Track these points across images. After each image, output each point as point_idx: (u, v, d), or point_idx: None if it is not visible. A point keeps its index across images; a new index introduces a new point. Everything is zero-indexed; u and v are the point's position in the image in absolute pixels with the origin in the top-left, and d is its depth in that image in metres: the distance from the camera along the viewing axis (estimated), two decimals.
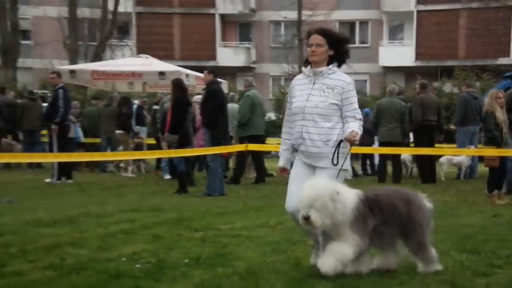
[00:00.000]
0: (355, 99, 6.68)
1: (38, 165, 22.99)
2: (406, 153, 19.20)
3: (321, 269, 6.26)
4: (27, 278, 6.45)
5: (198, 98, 17.62)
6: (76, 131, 21.91)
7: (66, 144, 18.04)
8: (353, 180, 18.67)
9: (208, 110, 14.31)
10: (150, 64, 21.49)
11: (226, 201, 13.36)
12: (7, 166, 22.58)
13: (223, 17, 49.45)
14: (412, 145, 18.84)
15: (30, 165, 23.20)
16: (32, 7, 43.79)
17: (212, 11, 48.62)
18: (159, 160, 19.92)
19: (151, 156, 19.39)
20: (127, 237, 8.85)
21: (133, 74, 21.06)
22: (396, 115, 17.70)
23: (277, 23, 48.51)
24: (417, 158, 18.83)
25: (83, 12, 42.05)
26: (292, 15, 45.05)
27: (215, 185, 14.54)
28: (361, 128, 6.63)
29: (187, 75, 20.52)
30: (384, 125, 17.83)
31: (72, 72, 21.46)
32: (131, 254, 7.61)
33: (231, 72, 43.78)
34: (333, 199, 6.09)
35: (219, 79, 16.36)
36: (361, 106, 24.93)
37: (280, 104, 23.38)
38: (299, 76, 6.95)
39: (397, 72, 45.83)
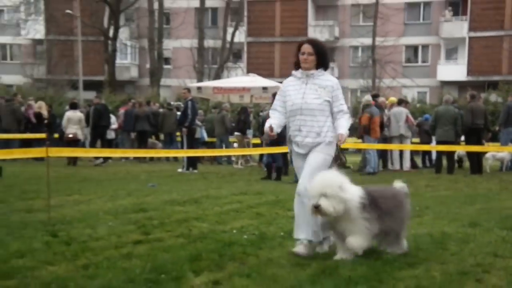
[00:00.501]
0: (341, 95, 6.29)
1: (175, 159, 23.28)
2: (459, 150, 18.75)
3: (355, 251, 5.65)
4: (165, 243, 6.52)
5: None
6: (202, 133, 22.08)
7: (193, 143, 18.23)
8: (414, 172, 18.33)
9: None
10: (256, 81, 21.48)
11: None
12: (151, 159, 22.92)
13: None
14: (463, 143, 18.37)
15: (168, 159, 23.53)
16: (172, 40, 44.63)
17: (304, 38, 48.22)
18: (261, 155, 19.89)
19: (255, 152, 19.25)
20: (237, 214, 8.78)
21: (243, 89, 21.18)
22: (450, 120, 17.24)
23: (355, 48, 47.85)
24: (467, 154, 18.27)
25: (208, 43, 42.78)
26: (367, 41, 44.45)
27: None
28: (349, 121, 6.23)
29: None
30: (440, 127, 17.37)
31: (199, 88, 21.76)
32: (240, 228, 7.56)
33: None
34: (341, 188, 5.48)
35: None
36: (422, 112, 24.53)
37: (357, 111, 23.02)
38: (291, 79, 6.43)
39: (452, 85, 44.58)
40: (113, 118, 23.31)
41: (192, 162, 17.72)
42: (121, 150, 20.09)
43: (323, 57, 6.25)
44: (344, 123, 6.15)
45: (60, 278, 4.91)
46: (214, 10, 47.41)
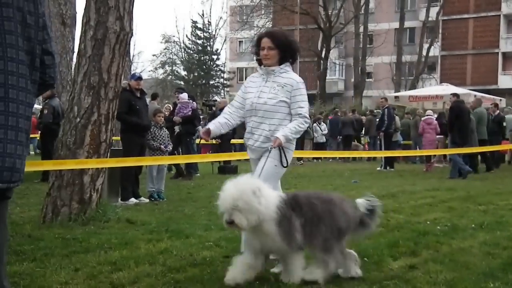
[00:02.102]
0: (302, 97, 4.71)
1: (374, 158, 22.85)
2: None
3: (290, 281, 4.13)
4: None
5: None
6: (399, 136, 21.48)
7: (391, 145, 17.82)
8: None
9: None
10: (448, 89, 20.50)
11: (504, 183, 12.29)
12: (354, 159, 22.63)
13: (504, 54, 45.73)
14: None
15: (368, 159, 23.00)
16: (374, 57, 44.14)
17: (496, 50, 45.37)
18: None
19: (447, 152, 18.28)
20: (430, 208, 8.40)
21: (437, 96, 20.38)
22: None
23: None
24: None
25: (406, 58, 41.72)
26: None
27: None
28: (300, 126, 4.66)
29: (475, 96, 19.46)
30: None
31: (396, 97, 21.47)
32: (433, 219, 7.22)
33: (508, 92, 40.20)
34: (255, 194, 3.93)
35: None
36: None
37: None
38: (254, 74, 5.00)
39: None
40: (324, 126, 23.64)
41: (390, 162, 17.31)
42: (330, 152, 20.34)
43: (286, 50, 4.77)
44: (290, 126, 4.65)
45: None
46: (412, 29, 46.15)
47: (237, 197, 3.90)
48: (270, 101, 4.68)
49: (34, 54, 2.08)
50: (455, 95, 15.05)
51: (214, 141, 16.23)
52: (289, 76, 4.75)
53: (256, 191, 3.94)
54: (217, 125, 4.88)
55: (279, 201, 4.08)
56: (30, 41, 2.04)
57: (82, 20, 6.85)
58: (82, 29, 6.86)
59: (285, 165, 4.71)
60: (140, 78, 9.74)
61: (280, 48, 4.73)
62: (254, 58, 4.93)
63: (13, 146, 1.99)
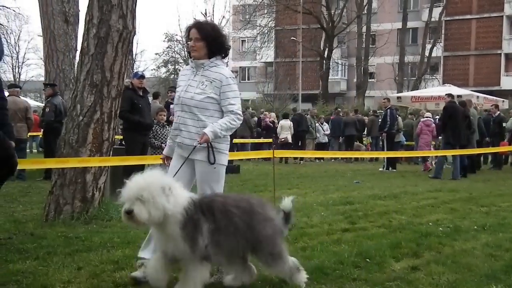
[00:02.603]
0: (232, 93, 4.34)
1: (376, 159, 22.83)
2: None
3: None
4: (369, 232, 6.41)
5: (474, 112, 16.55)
6: (401, 137, 21.40)
7: (393, 145, 17.78)
8: None
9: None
10: (451, 90, 20.41)
11: (506, 185, 12.27)
12: (356, 159, 22.59)
13: (507, 55, 45.63)
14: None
15: (370, 159, 22.99)
16: (376, 58, 44.00)
17: (499, 51, 45.26)
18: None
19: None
20: (432, 209, 8.39)
21: (439, 97, 20.26)
22: None
23: None
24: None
25: (408, 58, 41.70)
26: None
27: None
28: (231, 122, 4.31)
29: (477, 97, 19.43)
30: None
31: (399, 98, 21.40)
32: (435, 221, 7.21)
33: (511, 93, 40.18)
34: (164, 191, 3.59)
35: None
36: None
37: None
38: (186, 67, 4.66)
39: None
40: (326, 126, 23.62)
41: (392, 162, 17.26)
42: (332, 152, 20.32)
43: (214, 42, 4.38)
44: (221, 121, 4.30)
45: None
46: (414, 30, 46.11)
47: (143, 188, 3.55)
48: (197, 96, 4.32)
49: None
50: (449, 95, 15.00)
51: None
52: (219, 70, 4.38)
53: (165, 188, 3.62)
54: (172, 143, 4.57)
55: (188, 203, 3.73)
56: None
57: (85, 18, 6.84)
58: (85, 27, 6.85)
59: (212, 161, 4.28)
60: (142, 76, 9.74)
61: (207, 40, 4.35)
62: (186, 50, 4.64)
63: None
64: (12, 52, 48.07)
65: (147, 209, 3.53)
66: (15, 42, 50.73)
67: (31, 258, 4.86)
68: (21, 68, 50.64)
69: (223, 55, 4.47)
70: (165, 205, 3.57)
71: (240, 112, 4.41)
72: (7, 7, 40.22)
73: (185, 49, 4.16)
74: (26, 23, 57.31)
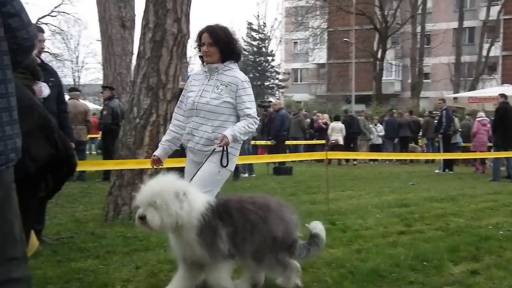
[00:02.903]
0: (248, 97, 4.28)
1: (432, 161, 22.25)
2: None
3: None
4: (425, 235, 6.29)
5: None
6: (458, 138, 20.85)
7: (450, 147, 17.37)
8: None
9: None
10: (510, 90, 19.76)
11: None
12: (411, 161, 21.99)
13: None
14: None
15: (426, 161, 22.43)
16: (431, 58, 43.20)
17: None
18: None
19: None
20: (492, 212, 8.16)
21: (497, 98, 19.65)
22: None
23: None
24: None
25: (465, 58, 40.73)
26: None
27: None
28: (250, 126, 4.25)
29: None
30: None
31: (455, 98, 20.88)
32: (495, 224, 7.00)
33: None
34: (178, 197, 3.53)
35: None
36: None
37: None
38: (198, 72, 4.59)
39: None
40: (380, 127, 23.31)
41: (449, 164, 16.87)
42: (386, 153, 20.02)
43: (227, 47, 4.31)
44: (239, 125, 4.23)
45: (339, 259, 4.99)
46: (471, 29, 44.89)
47: (157, 193, 3.51)
48: (213, 101, 4.25)
49: None
50: (502, 95, 14.57)
51: (269, 142, 16.28)
52: (234, 74, 4.32)
53: (180, 194, 3.55)
54: (166, 145, 4.50)
55: (205, 208, 3.66)
56: None
57: (141, 22, 6.99)
58: (141, 31, 7.00)
59: (224, 164, 4.22)
60: None
61: (220, 46, 4.29)
62: (198, 55, 4.48)
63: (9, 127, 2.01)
64: (72, 57, 49.62)
65: (160, 215, 3.49)
66: (74, 47, 52.43)
67: (92, 257, 5.00)
68: (81, 71, 52.17)
69: (235, 60, 4.39)
70: (178, 211, 3.52)
71: (257, 116, 4.35)
72: (67, 13, 41.60)
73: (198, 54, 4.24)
74: (85, 28, 59.29)
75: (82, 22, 60.54)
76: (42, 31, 5.96)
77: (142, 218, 3.51)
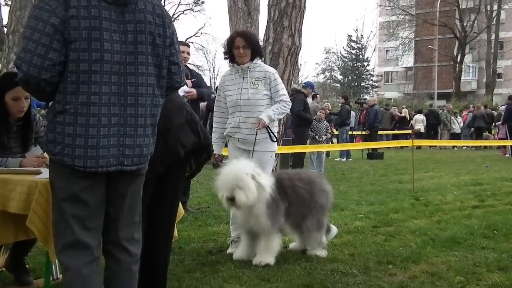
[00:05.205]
0: (280, 86, 4.01)
1: (504, 147, 20.52)
2: None
3: (261, 264, 3.60)
4: (496, 209, 5.96)
5: None
6: None
7: None
8: None
9: None
10: None
11: None
12: (485, 147, 20.24)
13: None
14: None
15: (499, 147, 20.67)
16: (504, 61, 39.68)
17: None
18: None
19: None
20: None
21: None
22: None
23: None
24: None
25: None
26: None
27: None
28: (282, 109, 3.99)
29: None
30: None
31: None
32: None
33: None
34: (254, 178, 3.51)
35: None
36: None
37: None
38: (228, 72, 4.19)
39: None
40: (459, 119, 22.07)
41: None
42: (464, 141, 18.94)
43: (256, 48, 4.06)
44: (273, 107, 3.98)
45: (422, 228, 4.91)
46: None
47: (239, 177, 3.49)
48: (253, 96, 3.99)
49: (161, 67, 2.17)
50: None
51: (364, 132, 15.97)
52: (264, 69, 4.09)
53: (255, 175, 3.54)
54: (220, 142, 4.22)
55: (272, 185, 3.63)
56: (158, 57, 2.15)
57: (263, 38, 7.02)
58: (263, 45, 7.15)
59: (274, 139, 4.03)
60: (312, 86, 10.09)
61: (253, 47, 4.03)
62: (224, 57, 4.16)
63: (141, 139, 2.14)
64: (210, 67, 51.35)
65: (245, 194, 3.48)
66: (212, 59, 54.21)
67: (223, 223, 5.02)
68: (216, 79, 54.04)
69: (260, 56, 4.14)
70: (258, 190, 3.52)
71: (289, 100, 4.12)
72: (207, 33, 42.90)
73: (224, 56, 4.07)
74: (221, 45, 60.59)
75: (219, 40, 62.42)
76: (188, 45, 6.24)
77: (232, 199, 3.50)
